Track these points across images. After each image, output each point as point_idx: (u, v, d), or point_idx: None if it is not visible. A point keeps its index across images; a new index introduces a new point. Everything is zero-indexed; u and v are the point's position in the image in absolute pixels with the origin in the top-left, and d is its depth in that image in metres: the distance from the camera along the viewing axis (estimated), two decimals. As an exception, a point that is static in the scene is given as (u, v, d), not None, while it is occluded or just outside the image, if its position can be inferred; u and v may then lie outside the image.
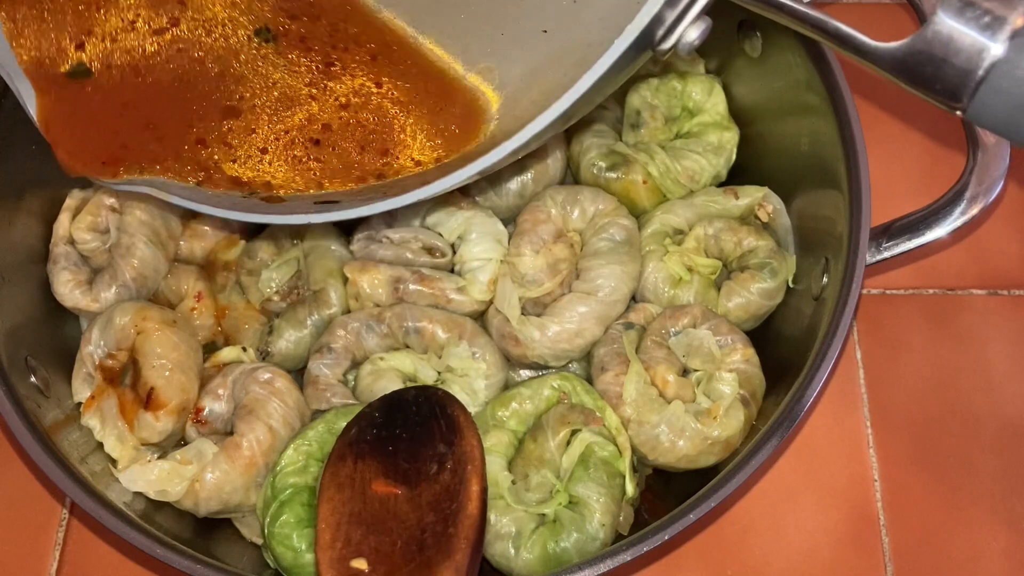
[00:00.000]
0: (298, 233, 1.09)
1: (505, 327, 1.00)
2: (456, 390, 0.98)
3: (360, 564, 0.68)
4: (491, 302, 1.03)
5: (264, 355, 1.03)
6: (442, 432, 0.76)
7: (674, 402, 0.94)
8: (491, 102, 0.85)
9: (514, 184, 1.07)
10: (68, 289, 1.03)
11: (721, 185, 1.11)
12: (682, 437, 0.93)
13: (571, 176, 1.14)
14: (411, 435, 0.76)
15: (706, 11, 0.70)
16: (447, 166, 0.82)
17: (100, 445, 0.97)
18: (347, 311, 1.05)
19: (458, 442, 0.75)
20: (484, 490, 0.72)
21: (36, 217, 1.04)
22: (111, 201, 1.07)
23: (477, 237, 1.04)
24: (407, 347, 1.02)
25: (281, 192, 0.83)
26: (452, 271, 1.06)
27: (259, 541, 0.98)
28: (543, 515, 0.91)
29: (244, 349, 1.03)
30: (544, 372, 1.03)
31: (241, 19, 0.89)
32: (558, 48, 0.80)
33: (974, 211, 0.93)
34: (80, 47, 0.88)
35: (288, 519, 0.90)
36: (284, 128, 0.86)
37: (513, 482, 0.93)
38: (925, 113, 1.31)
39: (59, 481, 0.86)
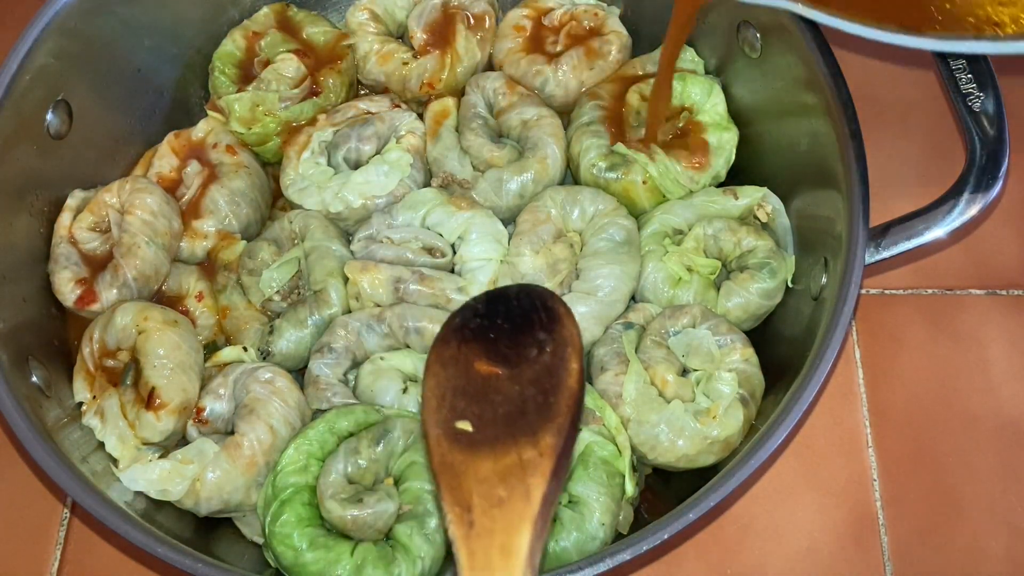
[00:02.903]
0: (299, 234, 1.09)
1: (505, 327, 1.00)
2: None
3: (465, 425, 0.70)
4: (491, 302, 1.03)
5: (265, 355, 1.03)
6: (542, 322, 0.77)
7: (674, 402, 0.94)
8: None
9: (514, 184, 1.08)
10: (69, 289, 1.03)
11: (720, 185, 1.11)
12: (681, 436, 0.93)
13: (571, 176, 1.14)
14: (512, 325, 0.78)
15: None
16: None
17: (101, 445, 0.97)
18: (348, 311, 1.05)
19: (558, 329, 0.77)
20: (583, 370, 0.74)
21: (37, 217, 1.05)
22: (113, 201, 1.07)
23: (477, 237, 1.05)
24: (407, 347, 1.02)
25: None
26: (452, 271, 1.07)
27: (260, 540, 0.98)
28: (543, 514, 0.91)
29: (245, 349, 1.03)
30: (544, 372, 1.04)
31: None
32: None
33: (973, 211, 0.93)
34: None
35: (289, 518, 0.90)
36: None
37: (513, 481, 0.93)
38: (925, 113, 1.31)
39: (60, 480, 0.86)
